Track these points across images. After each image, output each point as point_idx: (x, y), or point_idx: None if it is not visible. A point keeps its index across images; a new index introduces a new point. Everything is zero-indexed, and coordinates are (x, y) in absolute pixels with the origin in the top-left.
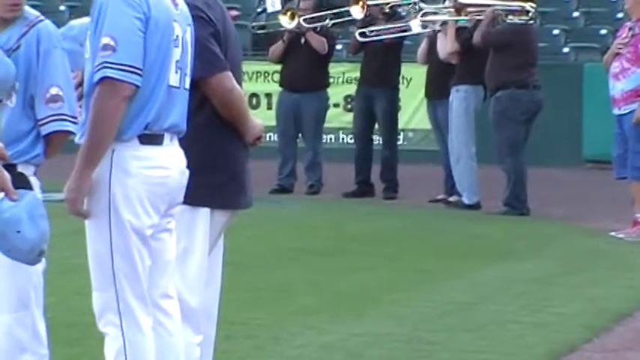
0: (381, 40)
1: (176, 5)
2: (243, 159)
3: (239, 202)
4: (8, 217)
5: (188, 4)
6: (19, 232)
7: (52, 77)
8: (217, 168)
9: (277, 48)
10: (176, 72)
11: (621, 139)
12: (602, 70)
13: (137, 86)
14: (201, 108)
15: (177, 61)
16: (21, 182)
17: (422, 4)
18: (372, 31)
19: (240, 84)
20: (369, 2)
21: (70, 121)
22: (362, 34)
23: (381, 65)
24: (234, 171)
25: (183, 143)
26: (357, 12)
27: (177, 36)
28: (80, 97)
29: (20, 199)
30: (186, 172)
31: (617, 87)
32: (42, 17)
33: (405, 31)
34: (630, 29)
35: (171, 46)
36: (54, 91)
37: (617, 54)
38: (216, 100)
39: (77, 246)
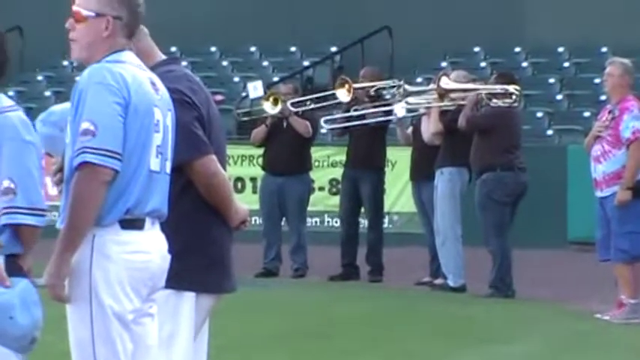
0: (366, 124)
1: (157, 90)
2: (228, 243)
3: (224, 286)
4: (1, 302)
5: (172, 89)
6: (11, 317)
7: (5, 170)
8: (202, 252)
9: (260, 132)
10: (157, 156)
11: (604, 222)
12: (586, 152)
13: (117, 171)
14: (185, 192)
15: (158, 146)
16: (15, 270)
17: (406, 87)
18: (356, 110)
19: (224, 168)
20: (355, 85)
21: (23, 213)
22: (347, 118)
23: (367, 148)
24: (219, 255)
25: (168, 227)
26: (343, 95)
27: (157, 121)
28: (60, 183)
29: (14, 286)
30: (168, 257)
31: (599, 169)
32: (8, 109)
33: (389, 114)
34: (610, 112)
35: (152, 131)
36: (5, 184)
37: (598, 137)
38: (200, 184)
39: (61, 331)
